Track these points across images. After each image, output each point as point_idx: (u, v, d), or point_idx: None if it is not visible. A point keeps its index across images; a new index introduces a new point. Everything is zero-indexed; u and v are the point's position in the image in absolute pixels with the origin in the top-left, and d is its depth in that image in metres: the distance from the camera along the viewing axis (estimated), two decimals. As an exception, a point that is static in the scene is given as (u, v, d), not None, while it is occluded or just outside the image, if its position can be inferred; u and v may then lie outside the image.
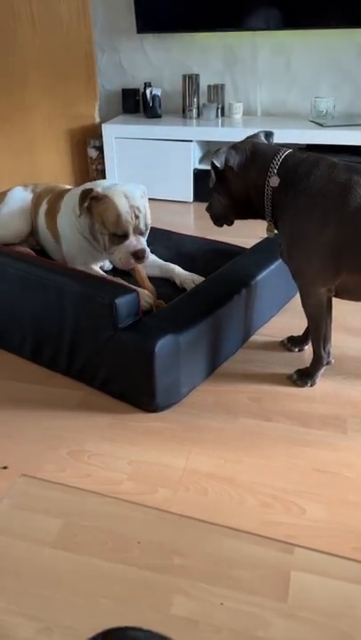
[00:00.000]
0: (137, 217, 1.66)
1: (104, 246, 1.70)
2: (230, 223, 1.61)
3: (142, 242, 1.70)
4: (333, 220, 1.33)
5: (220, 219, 1.59)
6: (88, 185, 1.78)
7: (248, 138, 1.53)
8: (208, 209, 1.61)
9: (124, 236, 1.66)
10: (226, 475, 1.30)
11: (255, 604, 1.01)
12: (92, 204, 1.66)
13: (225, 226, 1.63)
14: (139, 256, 1.67)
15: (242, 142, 1.49)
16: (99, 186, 1.73)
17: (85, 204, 1.65)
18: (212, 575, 1.06)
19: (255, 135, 1.55)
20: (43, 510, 1.20)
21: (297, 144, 2.91)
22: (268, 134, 1.56)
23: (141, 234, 1.70)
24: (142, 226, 1.68)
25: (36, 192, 2.01)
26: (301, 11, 2.93)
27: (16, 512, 1.20)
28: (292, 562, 1.08)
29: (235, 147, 1.47)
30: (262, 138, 1.55)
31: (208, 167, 3.14)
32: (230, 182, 1.48)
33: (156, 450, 1.37)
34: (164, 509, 1.20)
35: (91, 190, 1.66)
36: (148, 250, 1.71)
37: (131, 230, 1.66)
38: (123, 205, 1.64)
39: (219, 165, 1.45)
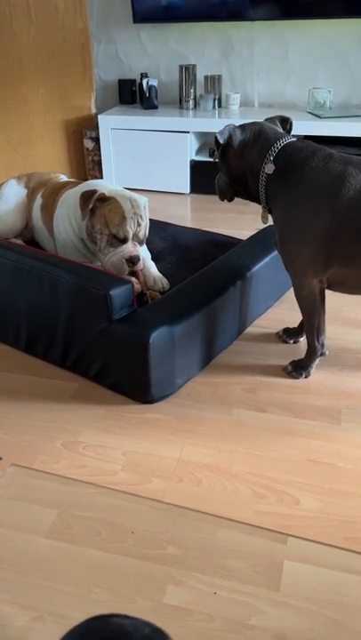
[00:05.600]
0: (139, 225, 1.66)
1: (100, 247, 1.68)
2: (230, 199, 1.62)
3: (138, 249, 1.69)
4: (325, 212, 1.32)
5: (223, 192, 1.60)
6: (88, 186, 1.76)
7: (266, 120, 1.53)
8: (216, 181, 1.62)
9: (123, 240, 1.65)
10: (220, 465, 1.30)
11: (248, 592, 1.01)
12: (97, 204, 1.64)
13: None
14: (133, 262, 1.67)
15: (252, 123, 1.49)
16: (97, 186, 1.72)
17: (90, 206, 1.63)
18: (206, 565, 1.06)
19: (271, 119, 1.54)
20: (37, 501, 1.21)
21: (294, 135, 2.88)
22: (285, 120, 1.55)
23: (139, 243, 1.70)
24: (141, 235, 1.69)
25: (29, 186, 2.00)
26: (299, 1, 2.91)
27: (11, 502, 1.20)
28: (286, 551, 1.09)
29: (242, 126, 1.47)
30: (277, 123, 1.54)
31: (205, 159, 3.14)
32: (230, 161, 1.50)
33: (151, 441, 1.38)
34: (158, 499, 1.21)
35: (94, 192, 1.63)
36: (142, 258, 1.70)
37: (131, 236, 1.66)
38: (128, 209, 1.64)
39: (221, 141, 1.45)
